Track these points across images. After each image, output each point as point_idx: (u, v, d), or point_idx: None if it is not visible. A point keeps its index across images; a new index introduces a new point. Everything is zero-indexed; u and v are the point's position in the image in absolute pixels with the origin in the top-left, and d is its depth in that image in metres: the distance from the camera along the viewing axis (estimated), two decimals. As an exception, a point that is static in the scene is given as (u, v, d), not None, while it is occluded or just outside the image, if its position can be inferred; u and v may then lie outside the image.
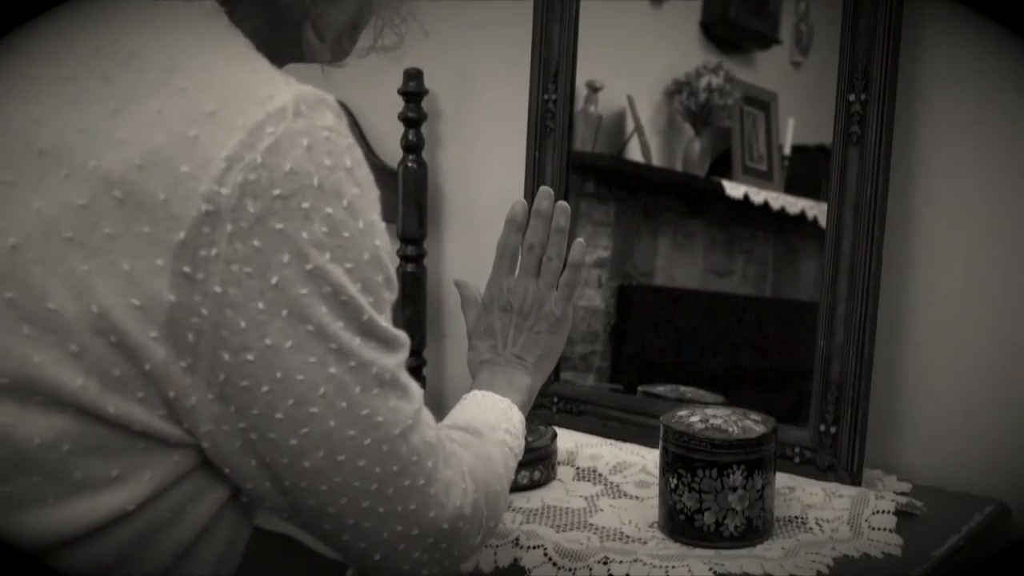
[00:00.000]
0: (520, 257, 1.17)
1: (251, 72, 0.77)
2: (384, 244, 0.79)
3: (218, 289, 0.71)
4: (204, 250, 0.71)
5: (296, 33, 0.88)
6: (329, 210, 0.74)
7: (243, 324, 0.72)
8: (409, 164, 1.62)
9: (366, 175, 0.78)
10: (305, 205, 0.73)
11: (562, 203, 1.16)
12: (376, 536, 0.82)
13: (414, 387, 0.83)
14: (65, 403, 0.71)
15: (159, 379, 0.73)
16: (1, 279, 0.71)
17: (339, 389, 0.76)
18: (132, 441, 0.74)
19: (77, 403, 0.71)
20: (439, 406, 1.69)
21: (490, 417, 1.03)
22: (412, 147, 1.62)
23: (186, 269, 0.71)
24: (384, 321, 0.80)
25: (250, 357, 0.73)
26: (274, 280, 0.72)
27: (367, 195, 0.78)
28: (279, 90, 0.74)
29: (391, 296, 0.81)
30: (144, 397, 0.73)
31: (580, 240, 1.16)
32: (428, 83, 1.61)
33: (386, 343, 0.80)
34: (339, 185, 0.74)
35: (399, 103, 1.60)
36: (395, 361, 0.81)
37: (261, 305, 0.72)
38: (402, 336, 0.82)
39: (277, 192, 0.72)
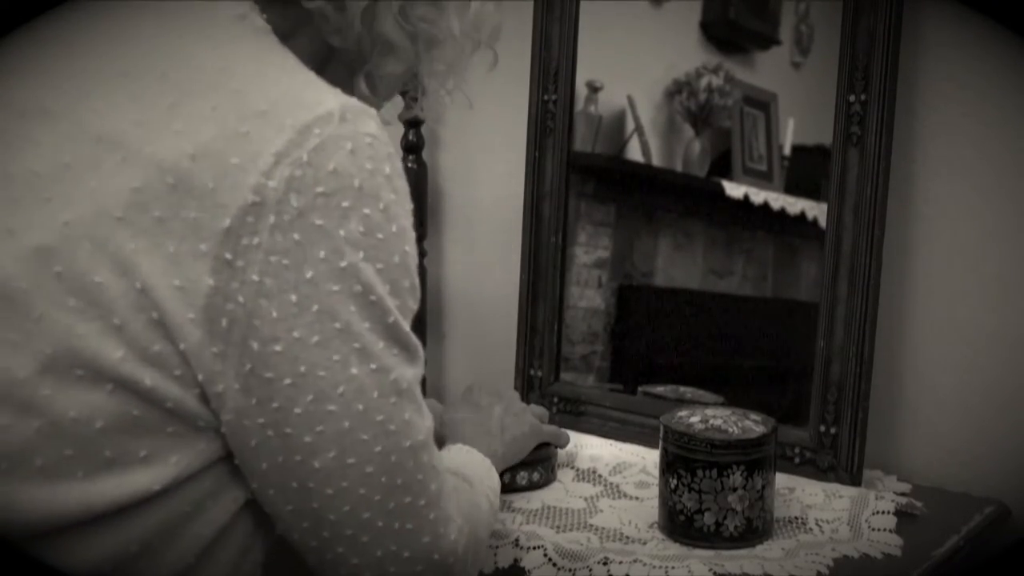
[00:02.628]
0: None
1: (301, 80, 0.80)
2: (413, 252, 0.82)
3: (256, 277, 0.74)
4: (247, 239, 0.74)
5: (348, 79, 0.93)
6: (367, 211, 0.77)
7: (275, 314, 0.75)
8: (409, 164, 1.62)
9: (403, 184, 0.81)
10: (345, 204, 0.76)
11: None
12: (370, 552, 0.82)
13: (427, 407, 0.85)
14: (104, 377, 0.74)
15: (193, 360, 0.75)
16: (52, 253, 0.74)
17: (358, 391, 0.78)
18: (163, 421, 0.76)
19: (116, 375, 0.74)
20: (439, 406, 1.69)
21: (478, 470, 1.05)
22: (412, 147, 1.62)
23: (227, 256, 0.74)
24: (406, 327, 0.82)
25: (278, 348, 0.75)
26: (309, 274, 0.75)
27: (402, 203, 0.81)
28: (327, 97, 0.78)
29: (414, 304, 0.83)
30: (181, 375, 0.76)
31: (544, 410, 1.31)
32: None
33: (407, 351, 0.82)
34: (377, 189, 0.77)
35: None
36: (412, 373, 0.82)
37: (294, 297, 0.75)
38: (420, 349, 0.84)
39: (320, 189, 0.75)
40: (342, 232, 0.75)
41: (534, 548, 1.09)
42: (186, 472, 0.78)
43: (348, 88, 0.92)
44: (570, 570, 1.06)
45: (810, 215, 1.36)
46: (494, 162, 1.62)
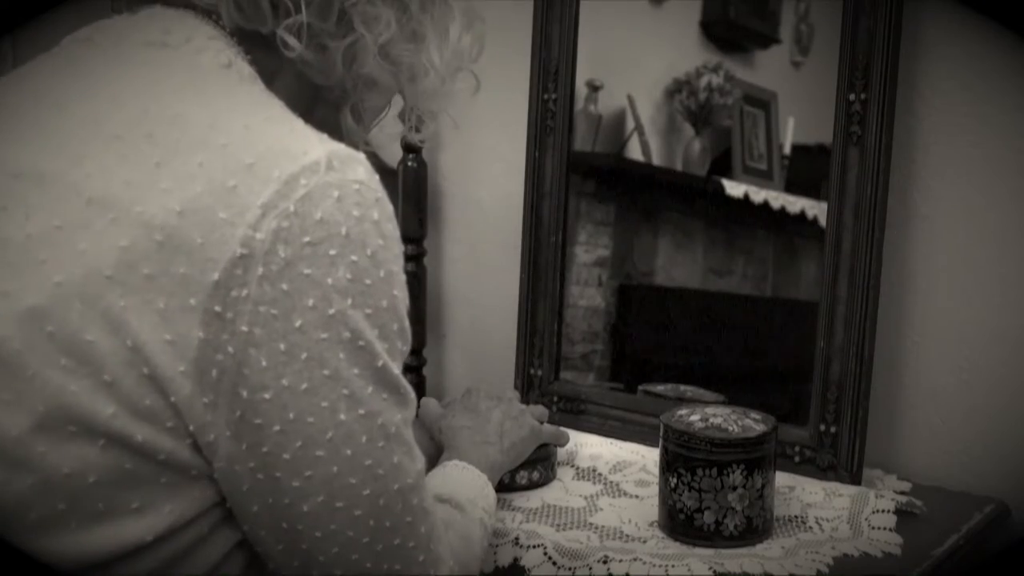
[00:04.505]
0: None
1: (287, 130, 0.81)
2: (402, 296, 0.83)
3: (245, 328, 0.75)
4: (236, 291, 0.75)
5: (334, 114, 0.95)
6: (354, 258, 0.78)
7: (264, 363, 0.76)
8: (409, 164, 1.62)
9: (392, 229, 0.82)
10: (332, 252, 0.77)
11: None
12: None
13: (417, 450, 0.86)
14: (96, 432, 0.74)
15: (184, 412, 0.76)
16: (44, 314, 0.75)
17: (346, 436, 0.79)
18: (156, 473, 0.77)
19: (108, 431, 0.75)
20: (439, 406, 1.69)
21: (471, 492, 1.04)
22: (412, 147, 1.62)
23: (217, 308, 0.75)
24: (396, 370, 0.82)
25: (267, 396, 0.76)
26: (298, 323, 0.76)
27: (390, 247, 0.81)
28: (313, 146, 0.79)
29: (404, 347, 0.84)
30: (173, 427, 0.77)
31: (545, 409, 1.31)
32: (428, 83, 1.61)
33: (396, 394, 0.82)
34: (365, 235, 0.78)
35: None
36: (402, 416, 0.83)
37: (283, 346, 0.76)
38: (411, 392, 0.85)
39: (307, 239, 0.76)
40: (330, 280, 0.76)
41: (534, 547, 1.09)
42: (180, 521, 0.78)
43: (335, 122, 0.95)
44: (570, 569, 1.06)
45: (810, 214, 1.36)
46: (494, 162, 1.62)
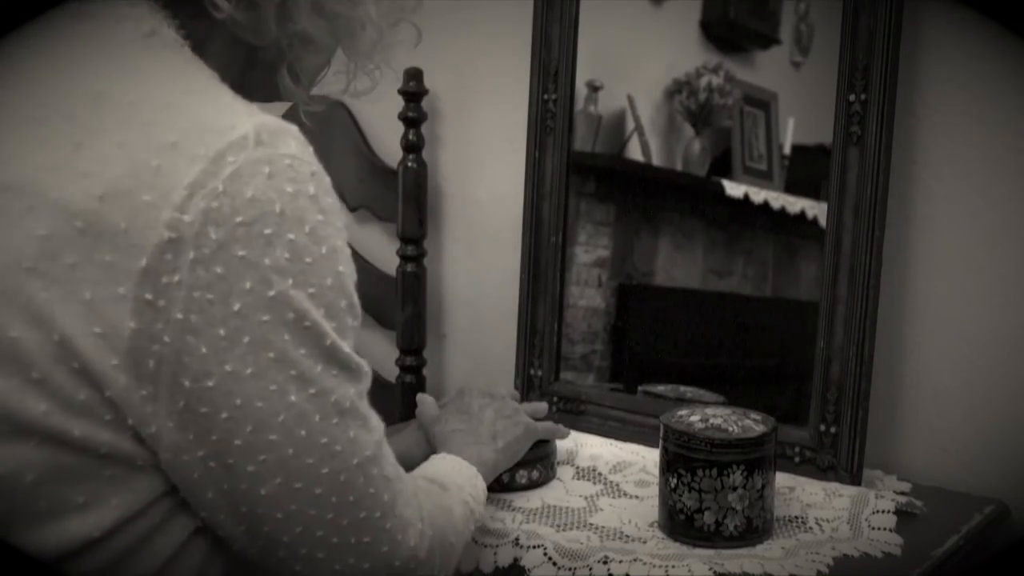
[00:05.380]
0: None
1: (212, 104, 0.78)
2: (348, 271, 0.80)
3: (180, 316, 0.73)
4: (166, 277, 0.72)
5: (271, 75, 0.91)
6: (291, 236, 0.75)
7: (204, 350, 0.73)
8: (409, 164, 1.62)
9: (331, 202, 0.79)
10: (267, 231, 0.74)
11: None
12: (327, 568, 0.83)
13: (375, 419, 0.84)
14: (29, 431, 0.72)
15: (121, 405, 0.74)
16: None
17: (299, 417, 0.77)
18: (98, 466, 0.75)
19: (42, 429, 0.73)
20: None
21: (457, 478, 1.03)
22: (412, 147, 1.62)
23: (148, 296, 0.72)
24: (347, 347, 0.80)
25: (210, 383, 0.74)
26: (236, 307, 0.73)
27: (331, 222, 0.79)
28: (240, 120, 0.76)
29: (355, 322, 0.82)
30: (111, 420, 0.74)
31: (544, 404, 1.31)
32: (428, 83, 1.61)
33: (348, 370, 0.81)
34: (301, 212, 0.76)
35: (399, 103, 1.61)
36: (355, 390, 0.82)
37: (223, 332, 0.73)
38: (364, 365, 0.83)
39: (239, 219, 0.73)
40: (267, 261, 0.74)
41: (534, 547, 1.09)
42: (129, 512, 0.77)
43: (272, 84, 0.91)
44: (570, 569, 1.06)
45: (810, 215, 1.36)
46: (494, 162, 1.62)
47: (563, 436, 1.28)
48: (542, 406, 1.28)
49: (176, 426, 0.75)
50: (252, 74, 0.90)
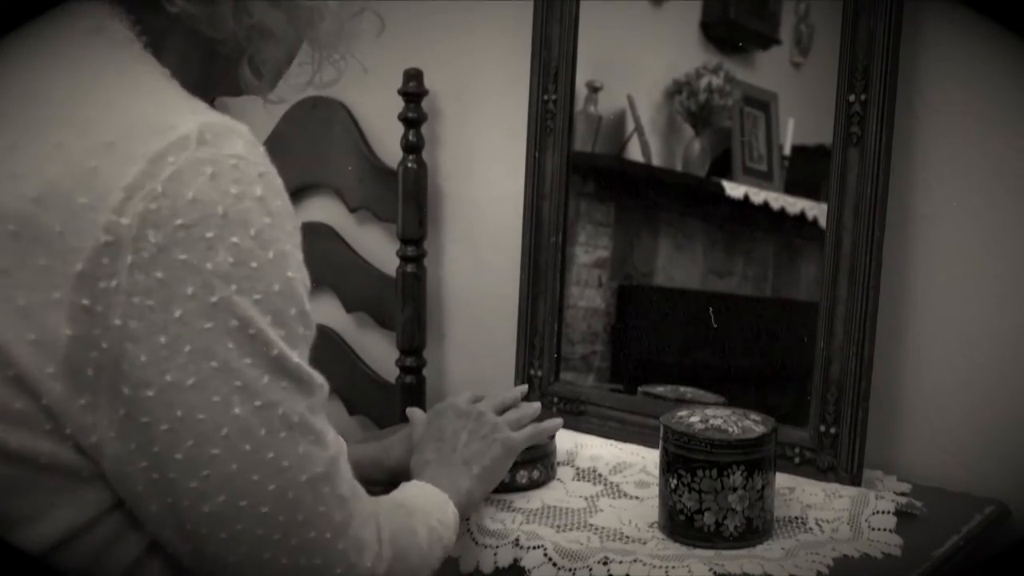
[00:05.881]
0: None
1: (155, 102, 0.76)
2: (299, 277, 0.77)
3: (118, 322, 0.70)
4: (104, 282, 0.70)
5: (232, 69, 0.88)
6: (235, 239, 0.72)
7: (143, 359, 0.71)
8: (409, 164, 1.62)
9: (281, 205, 0.77)
10: (209, 235, 0.71)
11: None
12: None
13: (331, 435, 0.81)
14: None
15: (59, 414, 0.72)
16: None
17: (243, 431, 0.74)
18: (39, 479, 0.73)
19: None
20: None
21: (426, 504, 0.99)
22: (412, 147, 1.62)
23: (85, 302, 0.70)
24: (297, 357, 0.77)
25: (150, 393, 0.72)
26: (177, 313, 0.71)
27: (279, 225, 0.76)
28: (183, 119, 0.73)
29: (307, 332, 0.79)
30: (50, 430, 0.72)
31: (538, 404, 1.23)
32: (428, 83, 1.61)
33: (298, 382, 0.77)
34: (246, 214, 0.73)
35: (399, 103, 1.61)
36: (306, 404, 0.78)
37: (163, 339, 0.71)
38: (317, 377, 0.80)
39: (180, 222, 0.71)
40: (209, 265, 0.71)
41: (534, 548, 1.09)
42: (76, 526, 0.74)
43: (234, 78, 0.89)
44: (570, 570, 1.06)
45: (810, 215, 1.36)
46: (494, 162, 1.62)
47: (553, 432, 1.22)
48: (531, 409, 1.22)
49: (118, 436, 0.73)
50: (212, 69, 0.88)
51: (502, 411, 1.19)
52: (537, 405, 1.23)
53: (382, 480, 1.13)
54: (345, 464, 0.83)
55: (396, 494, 0.99)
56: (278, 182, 0.77)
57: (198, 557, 0.78)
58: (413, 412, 1.20)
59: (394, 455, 1.17)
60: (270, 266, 0.74)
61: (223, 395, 0.73)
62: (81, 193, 0.71)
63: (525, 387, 1.27)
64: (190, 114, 0.74)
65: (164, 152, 0.71)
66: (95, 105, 0.74)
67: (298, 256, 0.78)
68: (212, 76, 0.87)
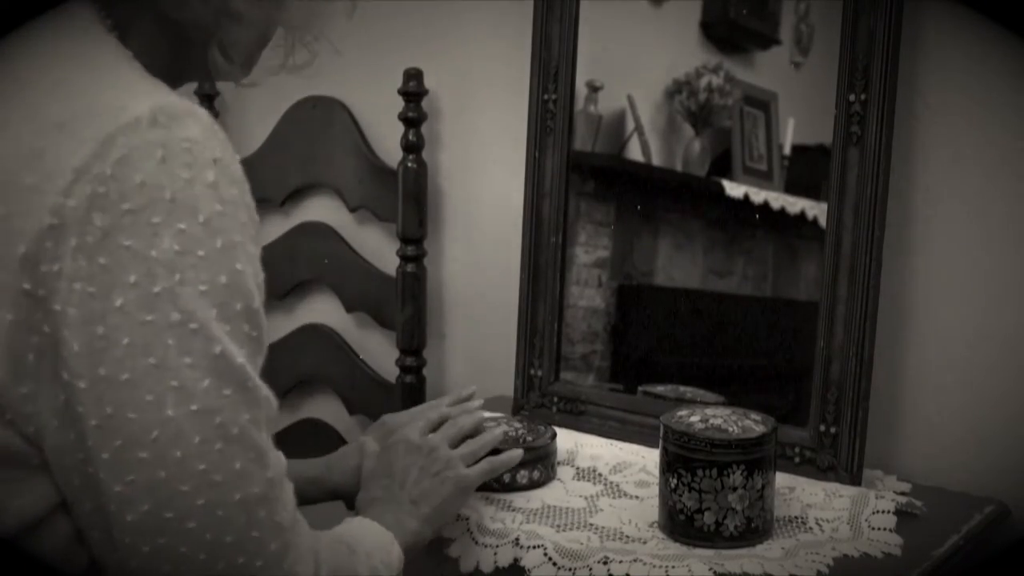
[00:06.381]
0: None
1: (110, 84, 0.73)
2: (251, 272, 0.73)
3: (59, 307, 0.68)
4: (46, 265, 0.68)
5: (201, 52, 0.85)
6: (182, 226, 0.69)
7: (77, 348, 0.68)
8: (409, 164, 1.62)
9: (236, 194, 0.73)
10: (156, 220, 0.69)
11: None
12: None
13: (273, 456, 0.76)
14: None
15: (1, 401, 0.69)
16: None
17: (175, 436, 0.70)
18: None
19: None
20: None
21: (370, 544, 0.92)
22: (412, 147, 1.62)
23: (26, 286, 0.68)
24: (241, 358, 0.73)
25: (82, 385, 0.69)
26: (118, 303, 0.68)
27: (232, 214, 0.72)
28: (137, 101, 0.71)
29: (254, 331, 0.74)
30: None
31: (500, 430, 1.14)
32: (428, 83, 1.61)
33: (242, 390, 0.73)
34: (196, 200, 0.70)
35: (399, 103, 1.61)
36: (249, 416, 0.73)
37: (100, 330, 0.68)
38: (264, 389, 0.75)
39: (127, 206, 0.68)
40: (154, 252, 0.68)
41: (534, 547, 1.09)
42: (32, 518, 0.71)
43: (203, 62, 0.86)
44: (570, 569, 1.06)
45: (810, 215, 1.36)
46: (494, 162, 1.62)
47: (511, 465, 1.14)
48: (489, 438, 1.12)
49: (60, 425, 0.70)
50: (183, 53, 0.85)
51: (459, 441, 1.11)
52: (497, 433, 1.15)
53: (320, 500, 1.09)
54: (288, 490, 0.78)
55: (339, 530, 0.92)
56: (236, 170, 0.74)
57: (123, 570, 0.73)
58: (365, 442, 1.13)
59: (335, 475, 1.12)
60: (218, 256, 0.71)
61: (157, 395, 0.69)
62: (28, 174, 0.69)
63: (482, 411, 1.18)
64: (144, 95, 0.72)
65: (115, 134, 0.69)
66: (46, 85, 0.72)
67: (250, 250, 0.74)
68: (182, 61, 0.84)
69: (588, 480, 1.27)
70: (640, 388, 1.45)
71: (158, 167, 0.69)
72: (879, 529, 1.12)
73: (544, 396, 1.47)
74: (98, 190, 0.68)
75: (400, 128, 1.61)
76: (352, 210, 1.72)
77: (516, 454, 1.15)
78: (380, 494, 1.04)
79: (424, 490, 1.04)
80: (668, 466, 1.10)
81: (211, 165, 0.71)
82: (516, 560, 1.09)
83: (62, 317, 0.68)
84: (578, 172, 1.48)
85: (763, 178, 1.45)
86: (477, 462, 1.10)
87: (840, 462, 1.23)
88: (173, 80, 0.79)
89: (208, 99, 1.81)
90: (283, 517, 0.75)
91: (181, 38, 0.84)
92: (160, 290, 0.69)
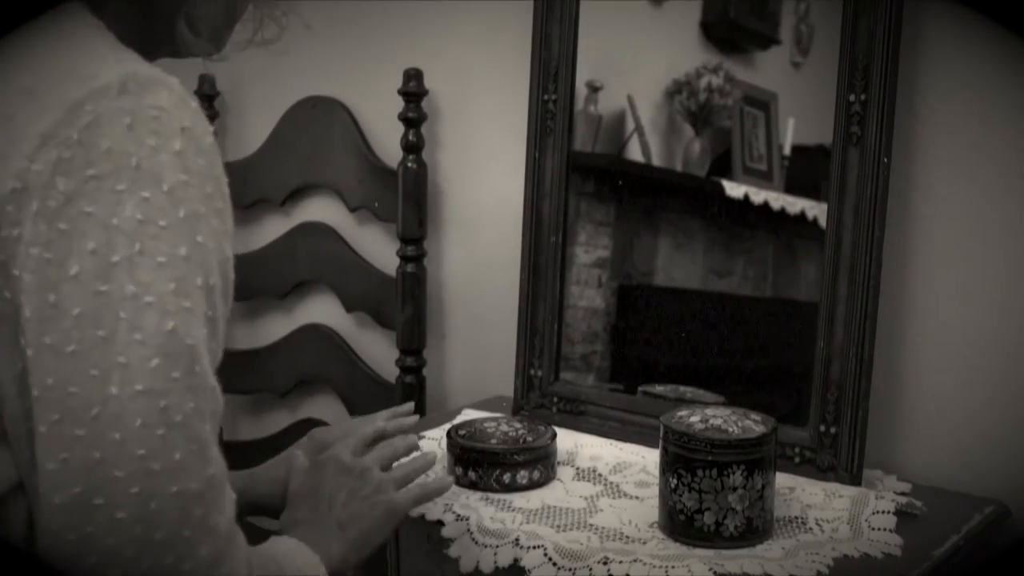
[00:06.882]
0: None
1: (78, 51, 0.72)
2: (213, 244, 0.71)
3: (16, 272, 0.67)
4: (7, 230, 0.67)
5: (169, 25, 0.83)
6: (145, 194, 0.68)
7: (28, 314, 0.66)
8: (409, 164, 1.62)
9: (204, 165, 0.71)
10: (120, 187, 0.67)
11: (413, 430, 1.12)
12: None
13: (215, 454, 0.72)
14: None
15: None
16: None
17: (115, 416, 0.66)
18: None
19: None
20: (439, 407, 1.69)
21: (299, 565, 0.88)
22: (412, 147, 1.62)
23: None
24: (192, 339, 0.69)
25: (29, 353, 0.67)
26: (74, 270, 0.66)
27: (198, 184, 0.70)
28: (107, 68, 0.70)
29: (212, 311, 0.71)
30: None
31: (433, 454, 1.09)
32: (428, 83, 1.61)
33: (189, 374, 0.69)
34: (160, 168, 0.68)
35: (399, 103, 1.61)
36: (195, 406, 0.69)
37: (52, 297, 0.66)
38: (212, 381, 0.72)
39: (92, 172, 0.67)
40: (115, 220, 0.66)
41: (534, 547, 1.09)
42: (5, 487, 0.69)
43: (172, 42, 0.84)
44: (570, 569, 1.06)
45: (810, 215, 1.36)
46: (494, 162, 1.62)
47: (441, 493, 1.08)
48: (422, 462, 1.07)
49: (18, 393, 0.68)
50: (152, 28, 0.83)
51: (392, 462, 1.07)
52: (432, 456, 1.09)
53: (242, 513, 1.04)
54: (228, 496, 0.73)
55: (268, 548, 0.88)
56: (207, 140, 0.72)
57: (52, 556, 0.68)
58: (294, 456, 1.07)
59: (259, 487, 1.08)
60: (179, 225, 0.69)
61: (102, 370, 0.66)
62: None
63: (415, 438, 1.12)
64: (115, 63, 0.71)
65: (83, 100, 0.68)
66: (18, 52, 0.72)
67: (214, 224, 0.71)
68: (153, 36, 0.83)
69: (588, 480, 1.27)
70: (640, 388, 1.45)
71: (125, 134, 0.68)
72: (879, 529, 1.12)
73: (544, 396, 1.47)
74: (64, 155, 0.67)
75: (400, 128, 1.61)
76: (352, 210, 1.72)
77: (447, 481, 1.08)
78: (306, 515, 0.98)
79: (352, 513, 0.98)
80: (668, 466, 1.10)
81: (179, 134, 0.70)
82: (516, 560, 1.09)
83: (20, 283, 0.67)
84: (578, 172, 1.48)
85: (763, 178, 1.45)
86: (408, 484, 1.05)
87: (840, 462, 1.23)
88: (147, 54, 0.78)
89: (208, 99, 1.81)
90: (219, 522, 0.71)
91: (149, 13, 0.82)
92: (118, 259, 0.67)
